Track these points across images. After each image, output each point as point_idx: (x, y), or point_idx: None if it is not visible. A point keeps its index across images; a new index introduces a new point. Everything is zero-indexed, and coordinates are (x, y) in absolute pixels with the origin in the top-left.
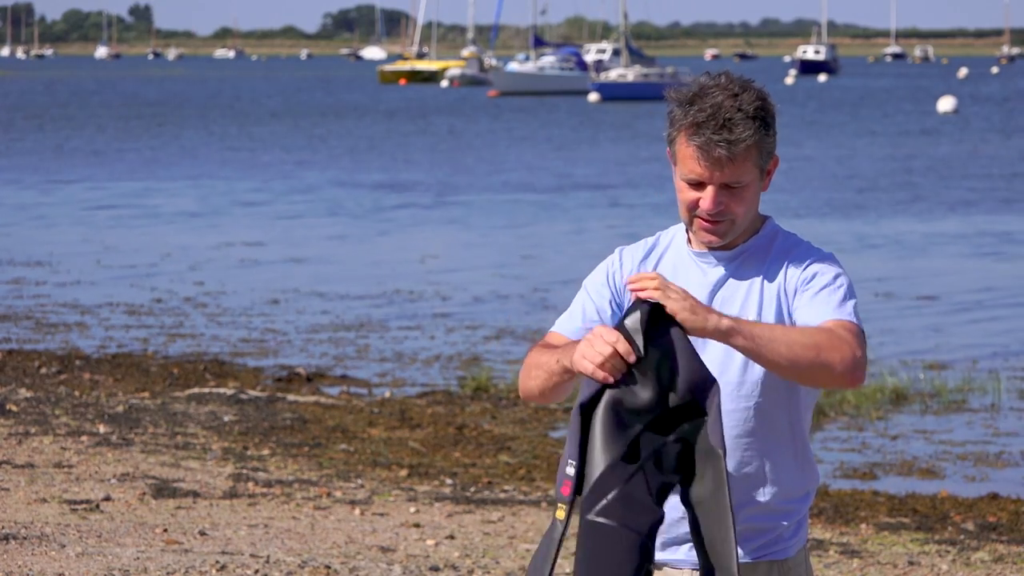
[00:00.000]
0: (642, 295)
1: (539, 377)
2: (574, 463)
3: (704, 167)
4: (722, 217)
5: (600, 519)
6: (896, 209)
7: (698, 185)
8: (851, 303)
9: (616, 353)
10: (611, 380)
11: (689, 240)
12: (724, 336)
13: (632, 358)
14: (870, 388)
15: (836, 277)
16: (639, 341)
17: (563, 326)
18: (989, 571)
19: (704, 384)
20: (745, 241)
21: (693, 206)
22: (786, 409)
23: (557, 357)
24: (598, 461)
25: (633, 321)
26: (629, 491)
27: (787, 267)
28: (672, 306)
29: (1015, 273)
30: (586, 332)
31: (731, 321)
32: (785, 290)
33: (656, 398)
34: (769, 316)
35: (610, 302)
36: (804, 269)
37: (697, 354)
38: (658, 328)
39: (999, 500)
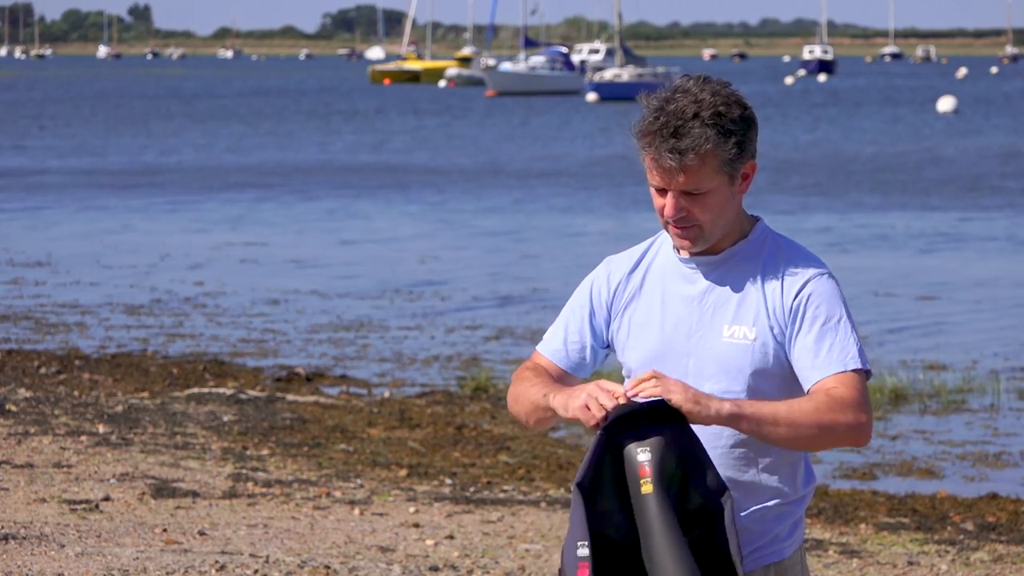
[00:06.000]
0: (644, 395)
1: (525, 407)
2: (586, 544)
3: (659, 175)
4: (686, 223)
5: None
6: (897, 207)
7: (662, 191)
8: (852, 341)
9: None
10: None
11: (675, 246)
12: (727, 421)
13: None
14: (870, 388)
15: (834, 306)
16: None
17: (547, 345)
18: (988, 571)
19: (718, 489)
20: (732, 245)
21: (661, 212)
22: None
23: (544, 392)
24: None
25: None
26: None
27: (782, 278)
28: (675, 399)
29: (1016, 273)
30: (566, 355)
31: (732, 406)
32: (782, 306)
33: (666, 506)
34: (762, 326)
35: (590, 317)
36: (801, 289)
37: (709, 460)
38: (663, 425)
39: (998, 500)
